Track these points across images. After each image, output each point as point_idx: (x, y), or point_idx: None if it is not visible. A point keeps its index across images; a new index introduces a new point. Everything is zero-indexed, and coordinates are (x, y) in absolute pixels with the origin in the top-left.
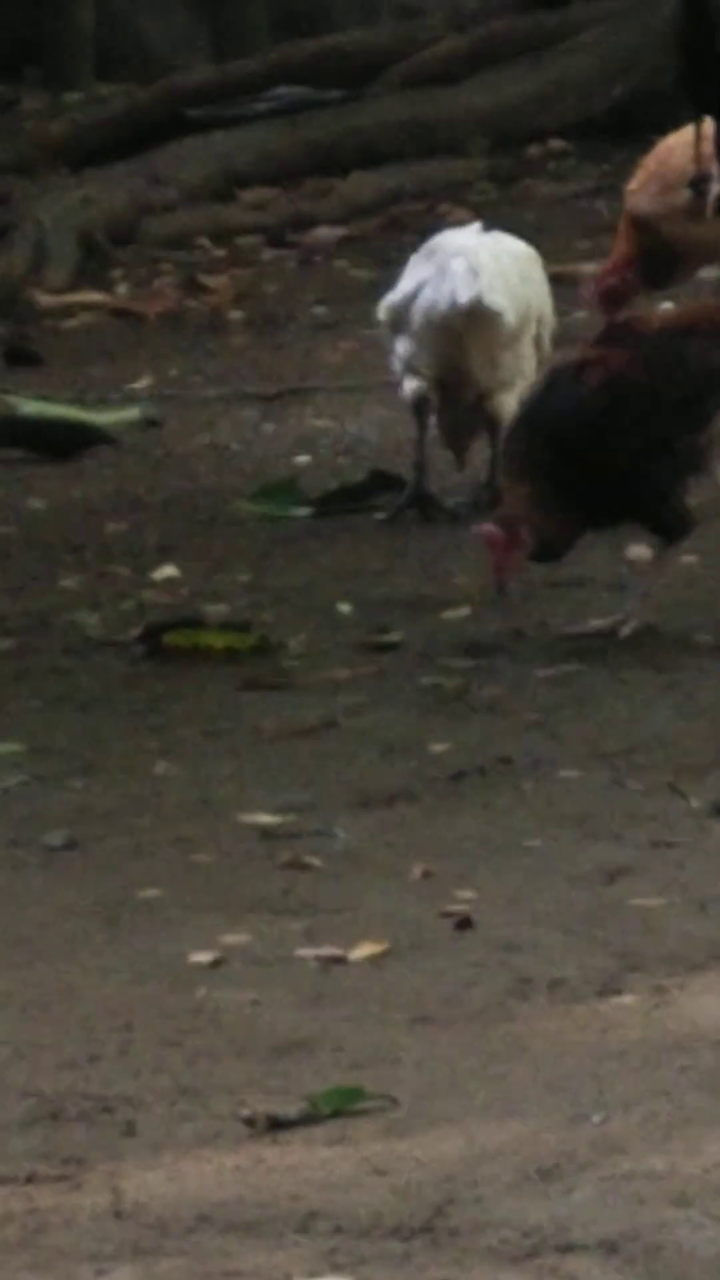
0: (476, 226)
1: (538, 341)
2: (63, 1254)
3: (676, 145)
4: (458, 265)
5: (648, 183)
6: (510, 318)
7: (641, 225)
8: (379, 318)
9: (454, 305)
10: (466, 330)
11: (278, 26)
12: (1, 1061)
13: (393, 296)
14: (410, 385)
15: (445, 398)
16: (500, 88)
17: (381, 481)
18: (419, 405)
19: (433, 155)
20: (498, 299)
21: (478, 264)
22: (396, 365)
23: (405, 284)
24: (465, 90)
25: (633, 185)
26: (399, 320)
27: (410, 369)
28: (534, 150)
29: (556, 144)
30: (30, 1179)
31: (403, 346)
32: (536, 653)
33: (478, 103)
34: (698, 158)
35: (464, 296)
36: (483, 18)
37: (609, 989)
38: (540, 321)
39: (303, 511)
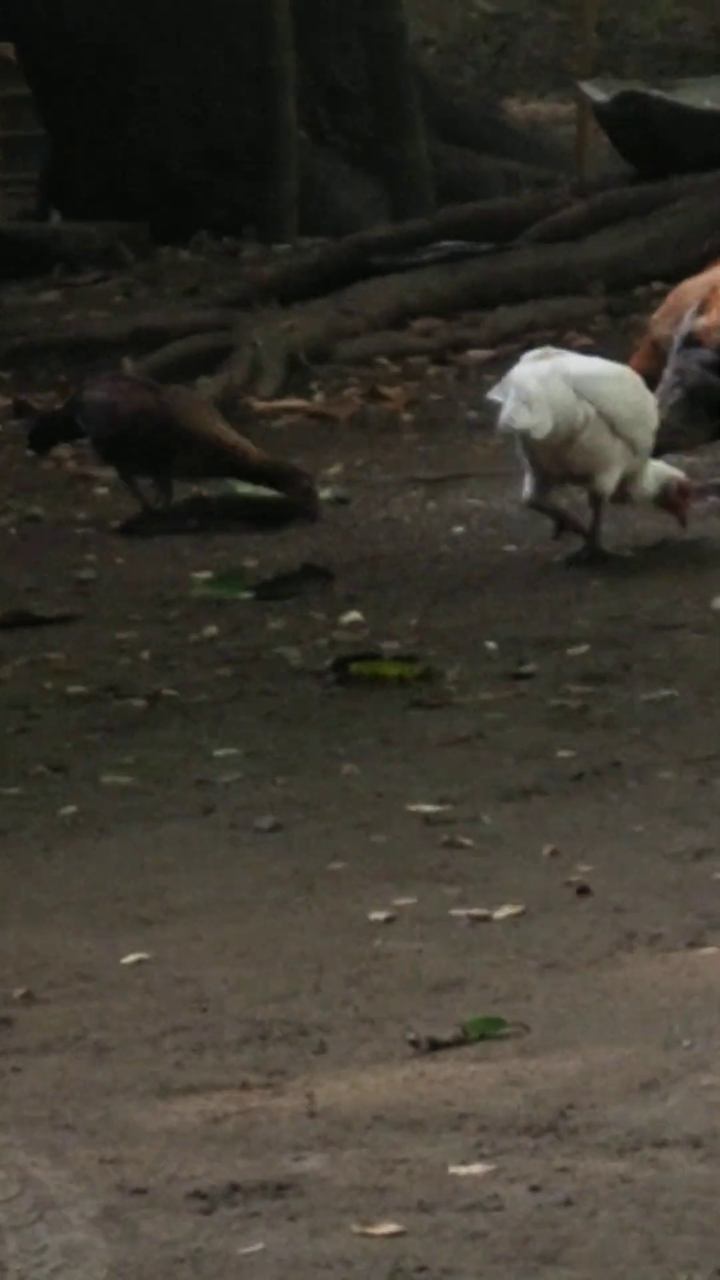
0: (539, 352)
1: (619, 432)
2: (268, 1144)
3: (691, 287)
4: (509, 396)
5: (667, 315)
6: (545, 429)
7: (656, 346)
8: None
9: (506, 427)
10: (524, 439)
11: (442, 194)
12: (222, 995)
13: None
14: (525, 492)
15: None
16: (614, 242)
17: (311, 572)
18: (534, 506)
19: (561, 295)
20: (530, 418)
21: (526, 393)
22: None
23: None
24: (587, 244)
25: (656, 316)
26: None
27: (528, 471)
28: (640, 291)
29: (658, 286)
30: (244, 1086)
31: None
32: (640, 681)
33: (597, 254)
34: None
35: (515, 422)
36: (601, 188)
37: (696, 942)
38: (617, 419)
39: (247, 594)
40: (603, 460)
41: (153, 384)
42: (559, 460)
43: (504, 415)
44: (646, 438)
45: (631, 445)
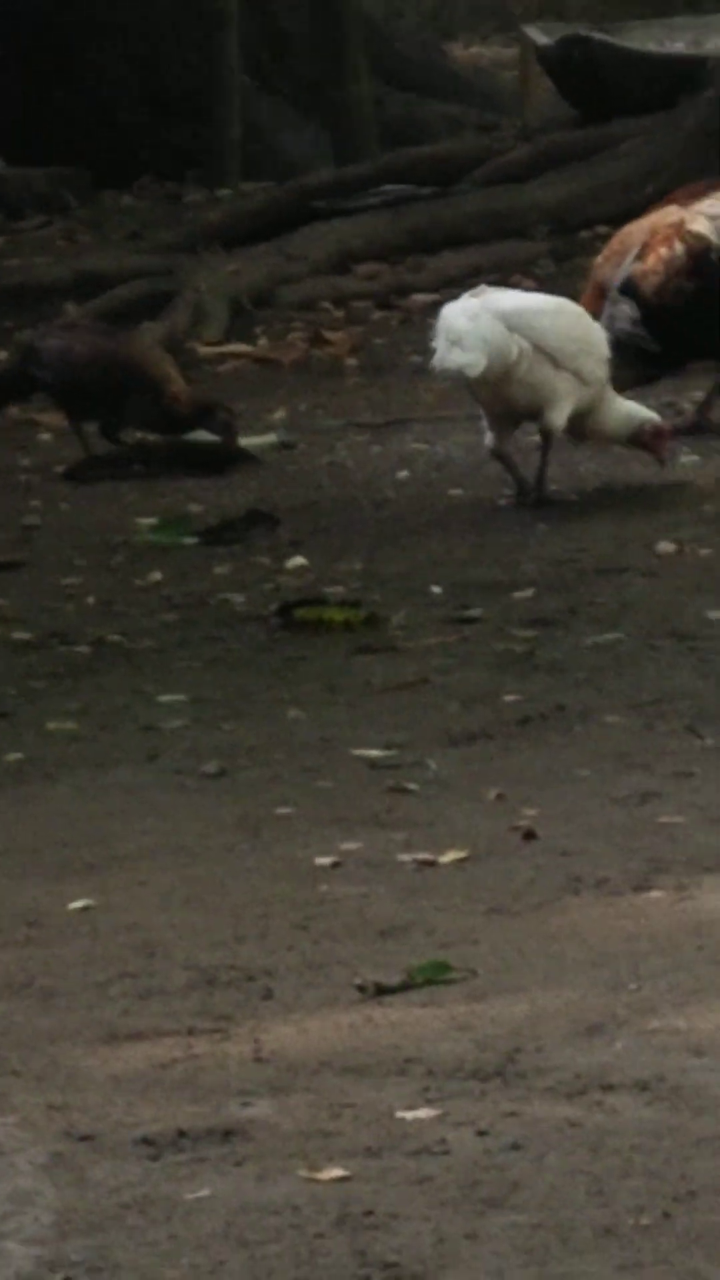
0: (472, 292)
1: (563, 365)
2: (215, 1090)
3: (634, 230)
4: (438, 338)
5: (611, 257)
6: (479, 366)
7: (602, 288)
8: None
9: (440, 368)
10: (460, 379)
11: (385, 138)
12: (168, 942)
13: None
14: (487, 440)
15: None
16: (558, 186)
17: (256, 518)
18: (496, 456)
19: (505, 238)
20: (462, 357)
21: (455, 331)
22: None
23: None
24: (531, 188)
25: (600, 259)
26: None
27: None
28: (585, 235)
29: (602, 229)
30: (190, 1032)
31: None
32: (586, 625)
33: (540, 198)
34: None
35: (447, 362)
36: (544, 131)
37: (642, 886)
38: (559, 352)
39: (192, 540)
40: (548, 394)
41: (108, 329)
42: (500, 398)
43: (436, 357)
44: (595, 369)
45: (578, 377)
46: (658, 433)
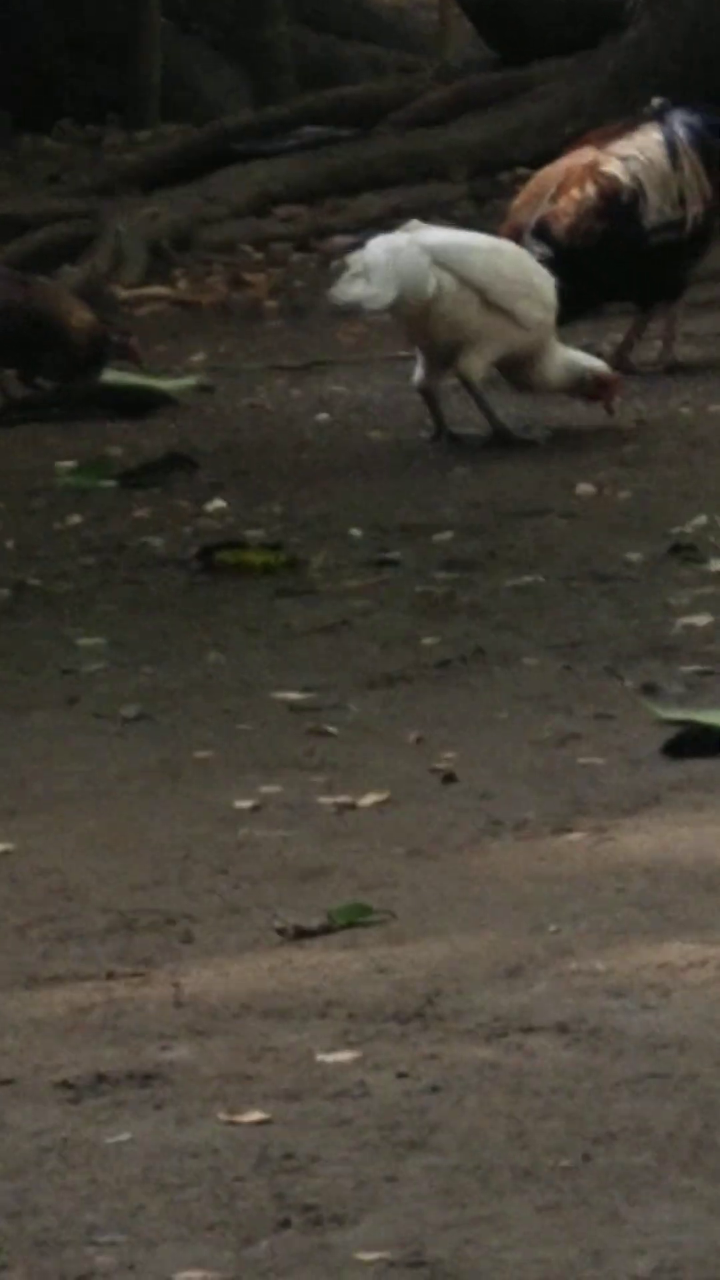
0: (409, 224)
1: (495, 303)
2: (135, 1034)
3: (551, 173)
4: (345, 271)
5: (528, 200)
6: (381, 300)
7: (518, 231)
8: None
9: (339, 300)
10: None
11: (304, 79)
12: (87, 885)
13: None
14: (415, 374)
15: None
16: (478, 127)
17: (175, 460)
18: (421, 393)
19: (425, 180)
20: (363, 290)
21: (366, 264)
22: None
23: None
24: (451, 129)
25: (517, 202)
26: None
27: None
28: (504, 176)
29: (522, 171)
30: (110, 976)
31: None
32: (505, 567)
33: (460, 139)
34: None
35: (346, 295)
36: (464, 72)
37: (562, 828)
38: (489, 290)
39: (112, 483)
40: (470, 335)
41: (22, 278)
42: (422, 333)
43: (337, 288)
44: (534, 311)
45: (515, 320)
46: (601, 382)
